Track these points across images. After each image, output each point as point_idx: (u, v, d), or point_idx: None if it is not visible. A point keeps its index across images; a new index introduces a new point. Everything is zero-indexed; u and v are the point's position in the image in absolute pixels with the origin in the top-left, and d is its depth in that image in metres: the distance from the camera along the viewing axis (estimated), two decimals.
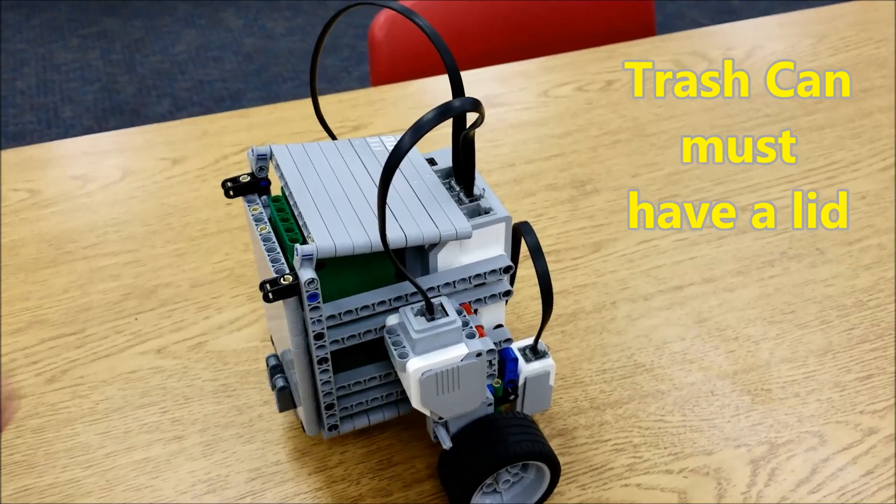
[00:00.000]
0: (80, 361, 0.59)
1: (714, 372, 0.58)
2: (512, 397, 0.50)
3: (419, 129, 0.35)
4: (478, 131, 0.81)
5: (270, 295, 0.40)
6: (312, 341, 0.43)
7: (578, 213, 0.72)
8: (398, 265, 0.39)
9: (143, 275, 0.66)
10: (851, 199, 0.73)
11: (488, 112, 0.85)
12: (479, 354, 0.42)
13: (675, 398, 0.56)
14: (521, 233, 0.47)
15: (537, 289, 0.64)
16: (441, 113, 0.36)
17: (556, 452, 0.52)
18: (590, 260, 0.67)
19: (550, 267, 0.66)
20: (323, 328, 0.42)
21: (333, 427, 0.48)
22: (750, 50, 0.94)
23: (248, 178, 0.47)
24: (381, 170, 0.46)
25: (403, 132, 0.36)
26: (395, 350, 0.42)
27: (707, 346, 0.60)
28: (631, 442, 0.53)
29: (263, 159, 0.47)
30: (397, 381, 0.48)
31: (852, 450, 0.53)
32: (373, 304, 0.43)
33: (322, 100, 0.86)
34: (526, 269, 0.66)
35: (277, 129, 0.83)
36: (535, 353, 0.51)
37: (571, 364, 0.58)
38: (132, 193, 0.74)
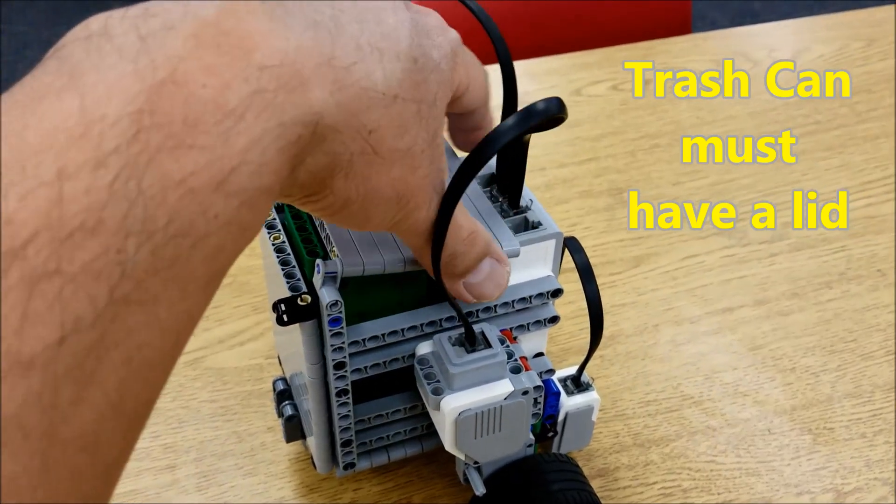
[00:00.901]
0: None
1: (770, 407, 0.52)
2: (550, 434, 0.45)
3: (497, 141, 0.29)
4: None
5: (285, 317, 0.35)
6: (331, 370, 0.37)
7: (616, 224, 0.66)
8: (443, 289, 0.33)
9: None
10: None
11: None
12: (525, 392, 0.36)
13: (728, 436, 0.50)
14: (566, 249, 0.41)
15: (574, 307, 0.58)
16: (522, 119, 0.29)
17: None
18: (629, 276, 0.61)
19: None
20: (345, 356, 0.36)
21: (350, 465, 0.42)
22: (796, 52, 0.88)
23: None
24: None
25: (497, 126, 0.29)
26: (429, 385, 0.36)
27: (762, 378, 0.54)
28: (680, 486, 0.47)
29: None
30: (424, 415, 0.42)
31: None
32: (402, 330, 0.38)
33: None
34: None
35: None
36: (577, 385, 0.45)
37: (612, 394, 0.53)
38: None
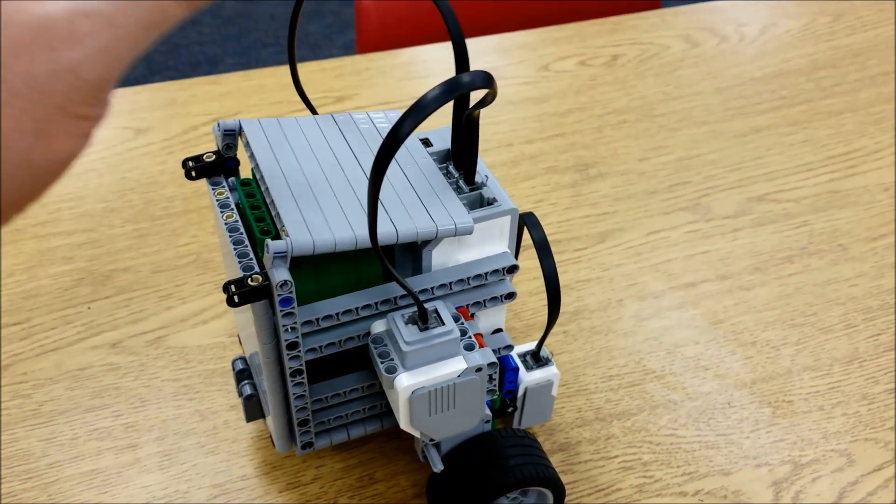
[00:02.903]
0: (24, 356, 0.52)
1: (731, 380, 0.52)
2: (510, 409, 0.45)
3: (421, 111, 0.29)
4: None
5: (236, 298, 0.34)
6: (285, 350, 0.37)
7: (582, 200, 0.66)
8: (389, 268, 0.33)
9: (98, 258, 0.59)
10: (874, 190, 0.68)
11: None
12: (479, 369, 0.36)
13: (689, 410, 0.51)
14: (524, 225, 0.41)
15: (536, 283, 0.58)
16: (447, 90, 0.29)
17: (557, 471, 0.46)
18: (594, 252, 0.61)
19: None
20: (297, 336, 0.36)
21: (308, 444, 0.42)
22: (763, 27, 0.88)
23: (214, 157, 0.41)
24: (369, 153, 0.40)
25: (402, 113, 0.29)
26: (382, 363, 0.36)
27: (723, 352, 0.54)
28: (640, 459, 0.48)
29: (231, 135, 0.40)
30: (382, 393, 0.42)
31: (883, 471, 0.48)
32: (356, 309, 0.37)
33: (302, 67, 0.79)
34: (524, 261, 0.60)
35: (254, 98, 0.76)
36: (536, 360, 0.45)
37: (574, 369, 0.53)
38: (90, 166, 0.67)
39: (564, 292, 0.58)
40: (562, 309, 0.57)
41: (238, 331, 0.50)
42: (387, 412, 0.43)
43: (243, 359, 0.46)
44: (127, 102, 0.74)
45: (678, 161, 0.70)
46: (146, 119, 0.73)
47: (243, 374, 0.45)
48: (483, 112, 0.74)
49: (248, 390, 0.44)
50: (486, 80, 0.30)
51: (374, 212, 0.31)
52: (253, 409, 0.44)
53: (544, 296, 0.57)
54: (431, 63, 0.82)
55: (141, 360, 0.52)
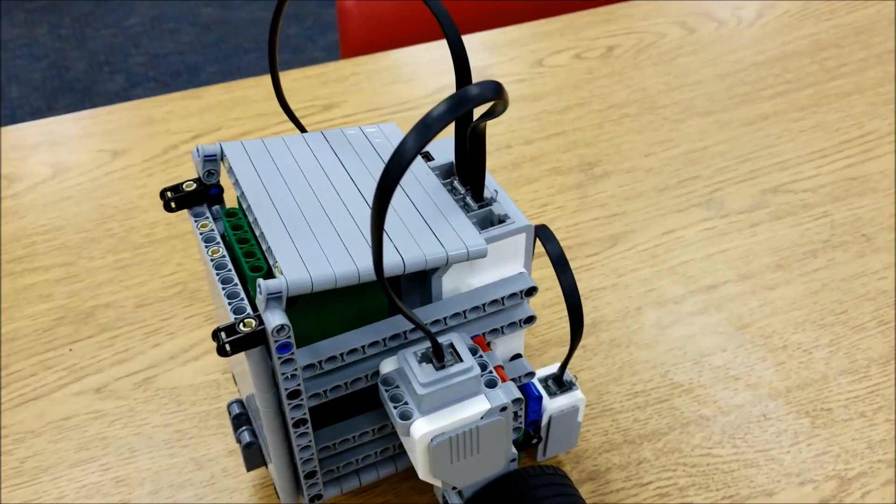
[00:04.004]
0: (4, 406, 0.48)
1: (764, 390, 0.49)
2: (535, 441, 0.41)
3: (426, 131, 0.25)
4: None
5: (227, 347, 0.30)
6: (285, 399, 0.33)
7: (589, 202, 0.62)
8: (398, 304, 0.29)
9: (78, 293, 0.55)
10: (892, 174, 0.64)
11: None
12: (503, 409, 0.33)
13: (723, 425, 0.47)
14: (537, 237, 0.37)
15: (548, 294, 0.55)
16: (454, 106, 0.26)
17: (588, 503, 0.43)
18: (607, 257, 0.58)
19: None
20: (299, 384, 0.32)
21: (316, 497, 0.38)
22: (761, 9, 0.85)
23: (194, 185, 0.37)
24: (366, 173, 0.36)
25: (396, 128, 0.26)
26: (396, 408, 0.32)
27: (752, 358, 0.51)
28: (676, 484, 0.44)
29: (212, 161, 0.37)
30: (394, 434, 0.39)
31: None
32: (363, 347, 0.34)
33: (285, 76, 0.75)
34: (534, 271, 0.56)
35: (235, 111, 0.72)
36: (559, 385, 0.42)
37: (597, 387, 0.49)
38: (65, 194, 0.63)
39: None
40: None
41: (232, 369, 0.47)
42: (401, 454, 0.40)
43: (240, 402, 0.42)
44: (102, 123, 0.70)
45: (685, 154, 0.67)
46: (123, 140, 0.69)
47: (240, 418, 0.41)
48: (477, 112, 0.71)
49: (247, 437, 0.40)
50: (496, 90, 0.27)
51: (379, 245, 0.27)
52: (253, 457, 0.40)
53: (558, 308, 0.54)
54: (418, 65, 0.78)
55: (129, 405, 0.48)
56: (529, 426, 0.41)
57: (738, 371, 0.50)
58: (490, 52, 0.79)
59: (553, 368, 0.42)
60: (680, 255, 0.58)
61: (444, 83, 0.75)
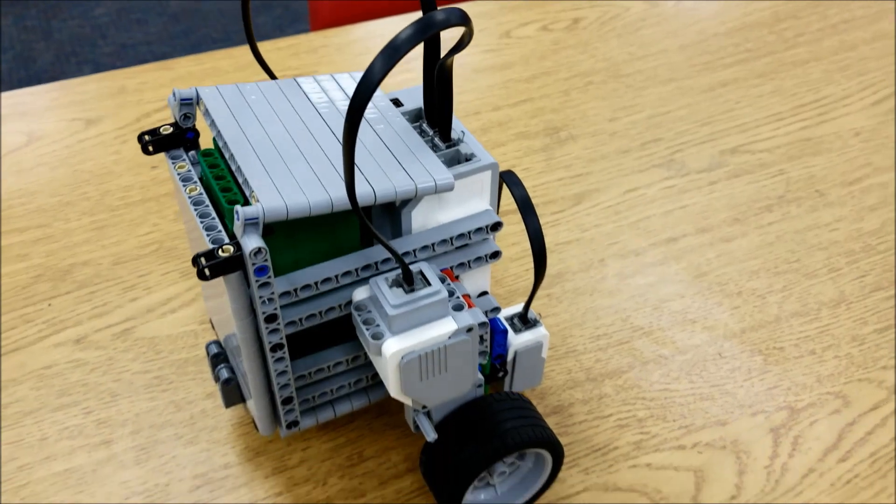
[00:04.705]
0: None
1: (720, 331, 0.52)
2: (501, 374, 0.43)
3: (395, 52, 0.27)
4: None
5: (207, 271, 0.32)
6: (263, 325, 0.35)
7: (555, 163, 0.65)
8: (369, 226, 0.31)
9: (55, 253, 0.56)
10: (846, 136, 0.67)
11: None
12: (469, 329, 0.35)
13: (681, 363, 0.50)
14: (503, 184, 0.39)
15: (517, 248, 0.57)
16: (422, 29, 0.27)
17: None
18: (572, 214, 0.60)
19: None
20: (275, 308, 0.34)
21: (293, 424, 0.40)
22: None
23: (171, 129, 0.38)
24: (337, 114, 0.38)
25: (373, 58, 0.27)
26: (368, 330, 0.34)
27: (709, 304, 0.53)
28: (636, 416, 0.47)
29: (189, 104, 0.38)
30: (368, 365, 0.41)
31: (880, 410, 0.47)
32: (336, 276, 0.35)
33: (259, 46, 0.76)
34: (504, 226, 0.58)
35: (207, 81, 0.73)
36: (524, 322, 0.44)
37: (562, 331, 0.51)
38: (40, 160, 0.64)
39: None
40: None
41: (210, 315, 0.48)
42: (374, 385, 0.42)
43: (217, 343, 0.44)
44: (75, 94, 0.71)
45: (648, 119, 0.69)
46: (96, 109, 0.70)
47: (219, 357, 0.43)
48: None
49: (225, 374, 0.42)
50: (462, 16, 0.28)
51: (351, 165, 0.29)
52: (231, 393, 0.42)
53: (525, 261, 0.56)
54: (387, 37, 0.79)
55: (108, 355, 0.50)
56: (496, 360, 0.43)
57: (695, 315, 0.53)
58: None
59: (518, 308, 0.44)
60: (642, 211, 0.60)
61: (412, 54, 0.77)
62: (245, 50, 0.76)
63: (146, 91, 0.72)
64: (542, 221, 0.59)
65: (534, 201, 0.61)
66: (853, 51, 0.77)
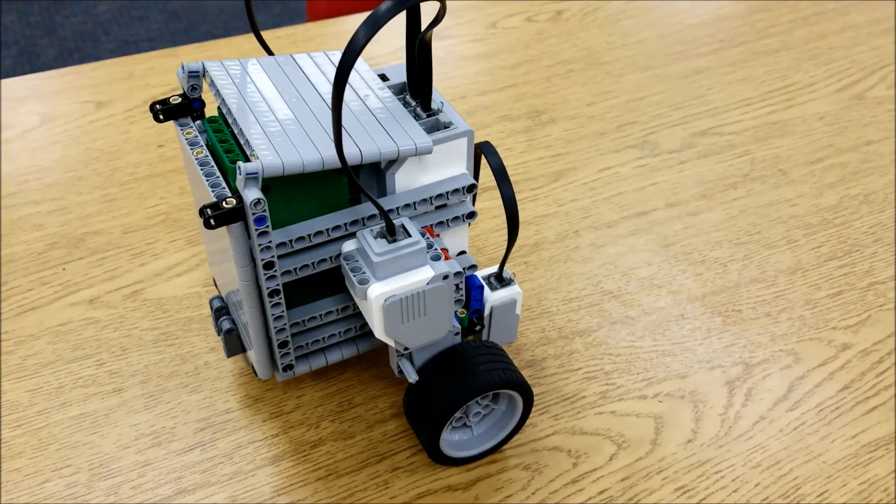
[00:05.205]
0: (4, 316, 0.54)
1: (683, 295, 0.56)
2: (478, 328, 0.47)
3: (375, 22, 0.31)
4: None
5: (212, 221, 0.36)
6: (262, 271, 0.39)
7: (536, 144, 0.69)
8: (355, 179, 0.35)
9: (69, 223, 0.60)
10: (810, 119, 0.71)
11: (436, 45, 0.81)
12: (445, 277, 0.39)
13: (646, 323, 0.54)
14: (481, 154, 0.43)
15: (497, 220, 0.61)
16: (399, 1, 0.32)
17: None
18: (550, 190, 0.64)
19: None
20: (273, 256, 0.38)
21: (288, 367, 0.44)
22: None
23: (180, 99, 0.43)
24: (327, 83, 0.42)
25: (357, 28, 0.31)
26: (355, 276, 0.38)
27: (674, 271, 0.58)
28: (602, 369, 0.51)
29: (196, 77, 0.42)
30: (355, 316, 0.45)
31: (827, 366, 0.52)
32: (327, 230, 0.40)
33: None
34: (485, 202, 0.62)
35: None
36: (500, 280, 0.48)
37: (537, 294, 0.56)
38: (53, 139, 0.68)
39: (524, 227, 0.61)
40: (522, 242, 0.59)
41: (213, 277, 0.52)
42: (362, 335, 0.46)
43: (220, 298, 0.48)
44: (85, 78, 0.75)
45: (625, 104, 0.73)
46: (106, 92, 0.74)
47: (221, 311, 0.47)
48: (437, 68, 0.77)
49: (226, 325, 0.46)
50: None
51: (339, 123, 0.33)
52: (233, 342, 0.46)
53: (504, 232, 0.60)
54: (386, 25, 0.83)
55: (119, 313, 0.54)
56: (473, 314, 0.47)
57: (661, 280, 0.57)
58: (449, 15, 0.85)
59: (494, 268, 0.48)
60: (615, 187, 0.65)
61: (403, 42, 0.81)
62: (245, 38, 0.81)
63: (153, 76, 0.76)
64: (522, 197, 0.63)
65: (515, 178, 0.65)
66: (822, 40, 0.81)
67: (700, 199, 0.63)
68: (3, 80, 0.74)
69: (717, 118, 0.72)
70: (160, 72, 0.76)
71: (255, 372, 0.45)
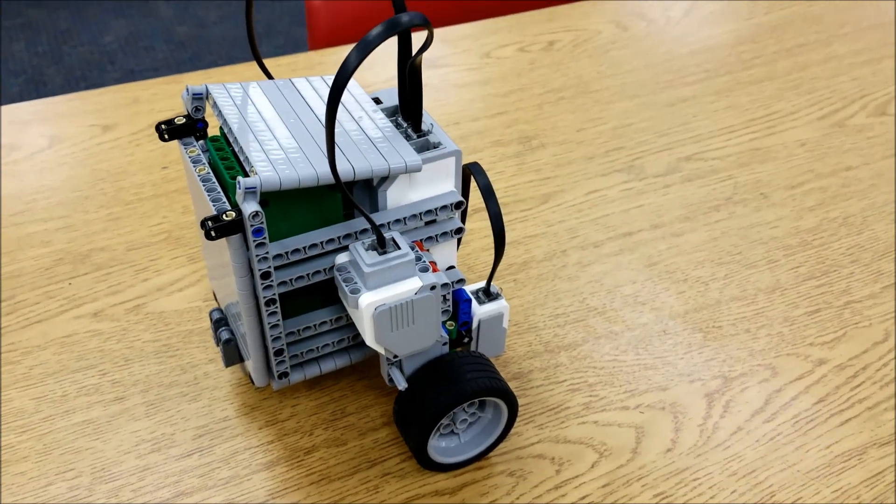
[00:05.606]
0: (11, 328, 0.56)
1: (666, 312, 0.58)
2: (466, 340, 0.49)
3: (366, 46, 0.34)
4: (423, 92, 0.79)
5: (213, 232, 0.39)
6: (259, 281, 0.41)
7: (526, 168, 0.71)
8: (348, 195, 0.38)
9: (75, 240, 0.63)
10: (792, 146, 0.74)
11: (432, 73, 0.84)
12: (433, 287, 0.41)
13: (629, 339, 0.56)
14: (470, 174, 0.46)
15: (487, 240, 0.63)
16: (389, 27, 0.34)
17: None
18: (539, 211, 0.67)
19: None
20: (269, 266, 0.41)
21: (284, 375, 0.46)
22: (688, 9, 0.95)
23: (184, 119, 0.45)
24: (323, 105, 0.45)
25: (349, 52, 0.34)
26: (347, 286, 0.41)
27: (658, 288, 0.60)
28: (586, 381, 0.53)
29: (199, 98, 0.45)
30: (349, 326, 0.47)
31: (804, 380, 0.53)
32: (321, 243, 0.42)
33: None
34: (475, 222, 0.65)
35: None
36: (487, 295, 0.50)
37: (524, 310, 0.58)
38: (60, 161, 0.71)
39: (513, 247, 0.63)
40: (511, 260, 0.62)
41: (213, 290, 0.54)
42: (354, 346, 0.48)
43: (219, 310, 0.50)
44: (92, 103, 0.78)
45: (613, 130, 0.76)
46: (112, 117, 0.76)
47: (220, 322, 0.49)
48: (432, 95, 0.79)
49: (225, 335, 0.48)
50: (424, 19, 0.35)
51: (332, 141, 0.35)
52: (231, 352, 0.48)
53: (493, 250, 0.62)
54: (376, 55, 0.87)
55: (122, 326, 0.56)
56: (462, 327, 0.49)
57: (644, 298, 0.59)
58: (445, 45, 0.89)
59: (482, 284, 0.51)
60: (602, 209, 0.67)
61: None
62: (247, 66, 0.84)
63: (158, 101, 0.79)
64: (511, 218, 0.66)
65: (505, 200, 0.68)
66: (804, 71, 0.84)
67: (684, 220, 0.66)
68: (13, 105, 0.77)
69: (701, 144, 0.74)
70: (165, 97, 0.79)
71: (251, 380, 0.47)
